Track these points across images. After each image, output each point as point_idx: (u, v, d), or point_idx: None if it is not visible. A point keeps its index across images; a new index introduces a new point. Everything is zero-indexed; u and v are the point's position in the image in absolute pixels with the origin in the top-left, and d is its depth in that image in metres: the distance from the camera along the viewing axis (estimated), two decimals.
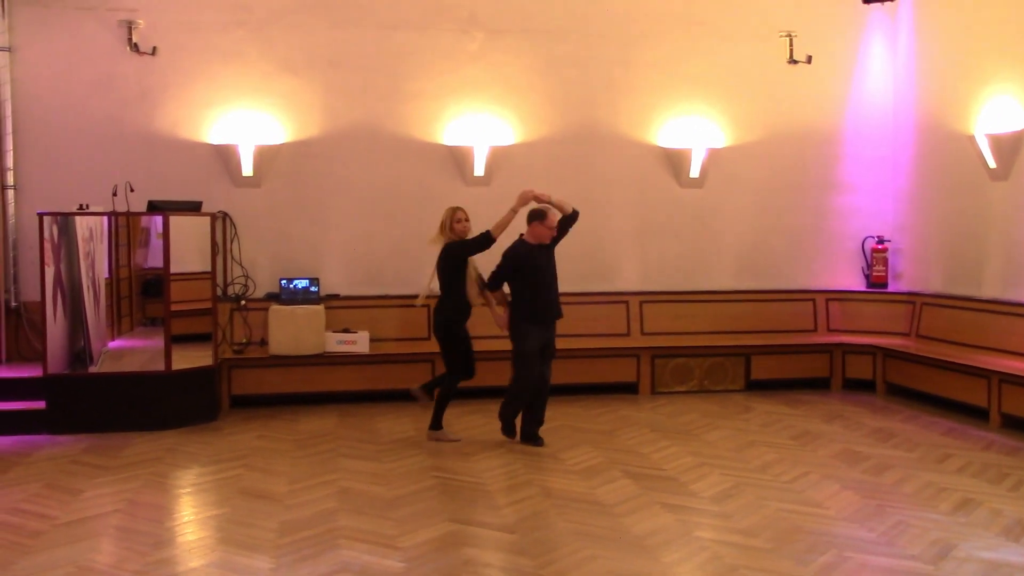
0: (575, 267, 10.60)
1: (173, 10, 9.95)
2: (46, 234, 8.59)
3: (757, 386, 10.56)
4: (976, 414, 9.08)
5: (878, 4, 11.06)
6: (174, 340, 8.85)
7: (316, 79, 10.28)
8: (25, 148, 9.76)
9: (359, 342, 9.79)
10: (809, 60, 10.86)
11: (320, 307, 9.80)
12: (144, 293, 9.32)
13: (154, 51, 9.87)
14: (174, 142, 10.03)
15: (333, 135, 10.33)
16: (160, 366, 8.85)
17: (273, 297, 10.00)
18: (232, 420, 9.20)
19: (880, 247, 11.05)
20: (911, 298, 10.69)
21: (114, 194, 8.83)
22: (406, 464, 7.58)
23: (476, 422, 8.89)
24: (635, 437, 8.46)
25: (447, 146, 10.50)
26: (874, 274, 11.07)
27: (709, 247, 11.08)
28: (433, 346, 10.08)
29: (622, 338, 10.65)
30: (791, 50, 10.89)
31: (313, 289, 9.98)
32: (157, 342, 8.88)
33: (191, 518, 6.45)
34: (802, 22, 10.93)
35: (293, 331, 9.60)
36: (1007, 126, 9.38)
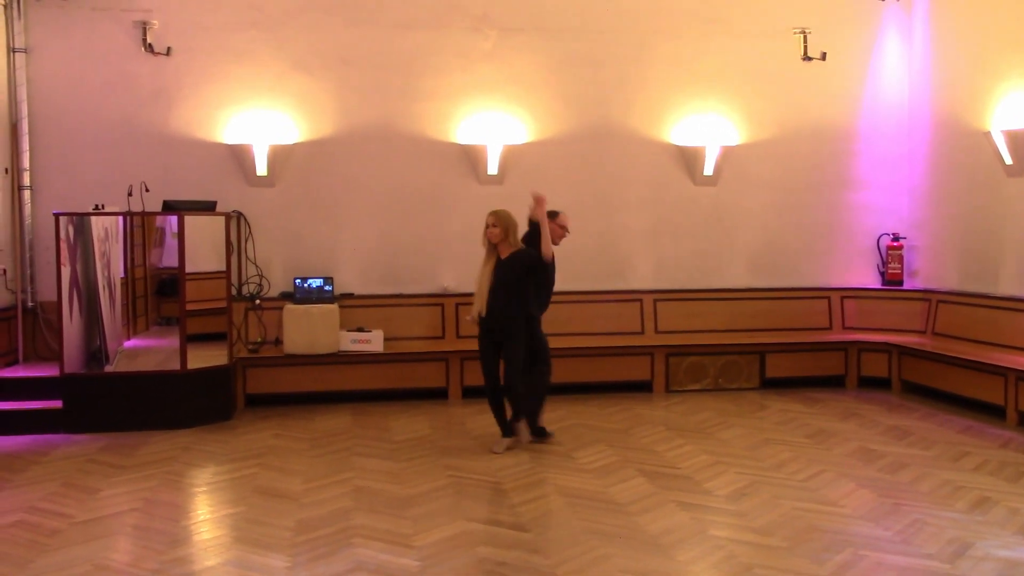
0: (589, 265, 10.61)
1: (187, 11, 9.99)
2: (62, 234, 8.65)
3: (772, 384, 10.53)
4: (993, 412, 9.03)
5: (893, 0, 11.00)
6: (189, 339, 8.89)
7: (330, 78, 10.30)
8: (41, 149, 9.81)
9: (373, 341, 9.80)
10: (823, 57, 10.82)
11: (334, 306, 9.82)
12: (159, 293, 9.36)
13: (168, 51, 9.91)
14: (188, 142, 10.06)
15: (347, 134, 10.35)
16: (175, 365, 8.89)
17: (287, 296, 10.03)
18: (247, 419, 9.23)
19: (895, 244, 10.99)
20: (927, 295, 10.63)
21: (129, 194, 8.88)
22: (421, 463, 7.59)
23: (490, 420, 8.86)
24: (649, 435, 8.45)
25: (460, 145, 10.50)
26: (889, 271, 11.02)
27: (723, 245, 11.05)
28: (447, 345, 10.14)
29: (636, 336, 10.63)
30: (805, 47, 10.85)
31: (327, 288, 10.00)
32: (172, 341, 8.93)
33: (207, 517, 6.48)
34: (816, 18, 10.89)
35: (308, 330, 9.63)
36: (1023, 122, 9.32)
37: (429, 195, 10.49)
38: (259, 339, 9.95)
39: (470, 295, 9.37)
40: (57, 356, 8.85)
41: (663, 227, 10.93)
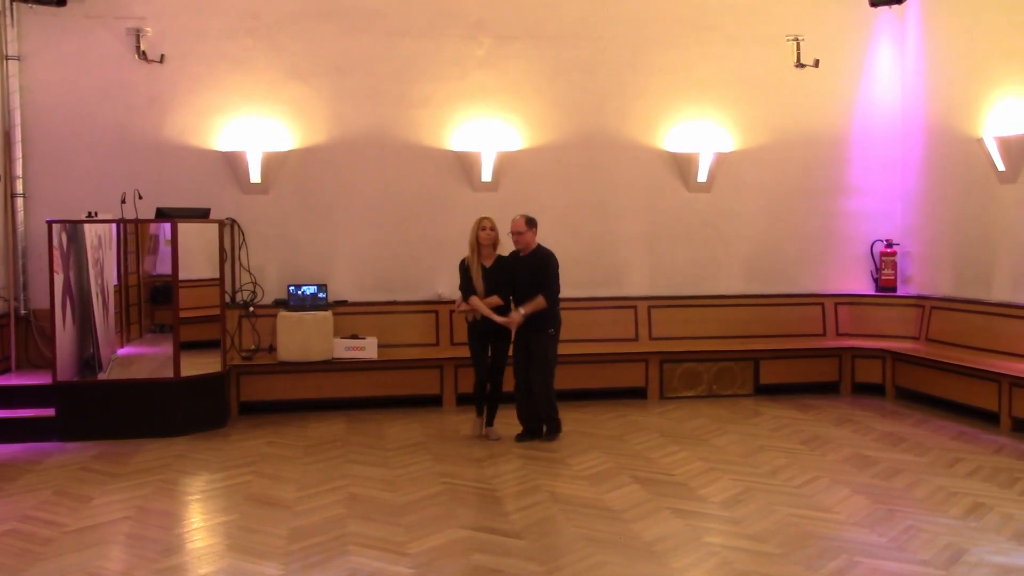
0: (583, 272, 10.61)
1: (181, 18, 9.98)
2: (55, 242, 8.63)
3: (766, 390, 10.53)
4: (986, 418, 9.05)
5: (885, 7, 11.03)
6: (183, 347, 8.87)
7: (324, 86, 10.30)
8: (34, 156, 9.79)
9: (367, 348, 9.79)
10: (817, 64, 10.83)
11: (328, 313, 9.80)
12: (153, 300, 9.34)
13: (162, 59, 9.90)
14: (182, 149, 10.05)
15: (341, 141, 10.35)
16: (169, 373, 8.87)
17: (281, 303, 10.01)
18: (241, 427, 9.21)
19: (889, 250, 11.01)
20: (920, 302, 10.65)
21: (123, 201, 8.86)
22: (415, 470, 7.58)
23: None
24: (644, 442, 8.45)
25: (454, 152, 10.50)
26: (883, 278, 11.04)
27: (717, 251, 11.06)
28: (442, 352, 10.13)
29: (630, 343, 10.63)
30: (798, 54, 10.86)
31: (321, 295, 9.99)
32: (166, 349, 8.91)
33: (200, 525, 6.46)
34: (809, 26, 10.91)
35: (301, 337, 9.61)
36: (1016, 129, 9.34)
37: (423, 202, 10.49)
38: (253, 346, 9.93)
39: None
40: (50, 364, 8.82)
41: (657, 234, 10.94)
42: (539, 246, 8.41)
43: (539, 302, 8.17)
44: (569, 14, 10.64)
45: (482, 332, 8.40)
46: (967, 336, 9.82)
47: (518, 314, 8.17)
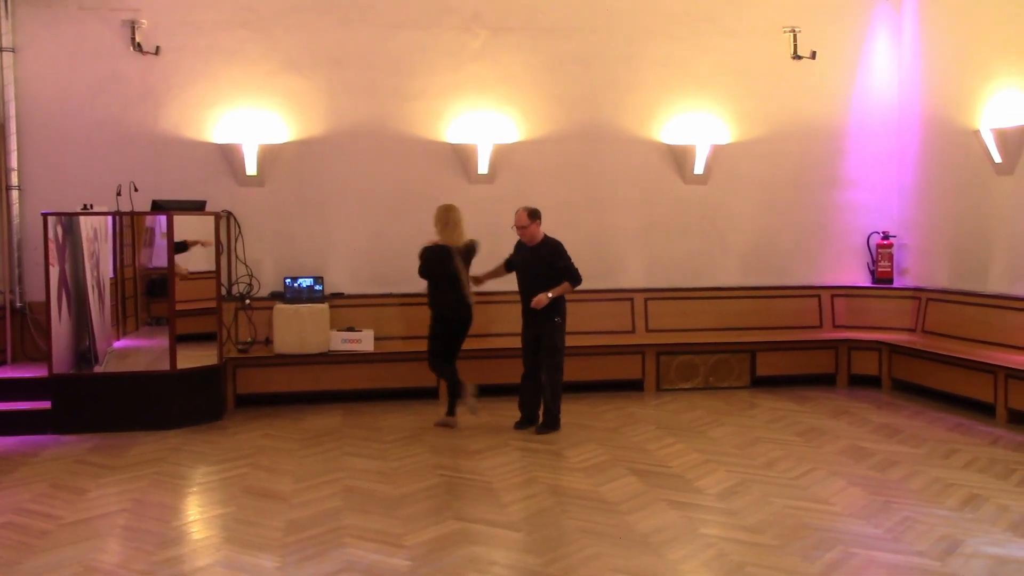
0: (579, 264, 10.46)
1: (176, 10, 9.94)
2: (51, 234, 8.61)
3: (762, 382, 10.54)
4: (982, 409, 9.06)
5: None
6: (179, 339, 8.86)
7: (320, 78, 10.27)
8: (29, 148, 9.77)
9: (363, 340, 9.79)
10: (813, 55, 10.83)
11: (324, 306, 9.80)
12: (149, 293, 9.33)
13: (157, 51, 9.87)
14: (178, 141, 10.03)
15: (337, 134, 10.32)
16: (165, 365, 8.85)
17: (277, 296, 10.00)
18: (237, 419, 9.20)
19: (885, 243, 11.02)
20: (917, 294, 10.66)
21: (118, 194, 8.85)
22: (411, 462, 7.58)
23: (483, 419, 8.87)
24: (641, 434, 8.45)
25: (451, 144, 10.49)
26: (879, 270, 11.04)
27: (714, 244, 11.06)
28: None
29: (627, 335, 10.63)
30: (795, 45, 10.85)
31: (317, 288, 9.99)
32: (162, 342, 8.89)
33: (197, 517, 6.45)
34: (806, 17, 10.89)
35: (298, 330, 9.61)
36: (1013, 120, 9.34)
37: (419, 194, 10.45)
38: (249, 339, 9.92)
39: None
40: (46, 357, 8.80)
41: (654, 226, 10.94)
42: (545, 236, 8.48)
43: (565, 286, 8.41)
44: (565, 6, 10.61)
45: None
46: (963, 328, 9.82)
47: (545, 296, 8.29)
